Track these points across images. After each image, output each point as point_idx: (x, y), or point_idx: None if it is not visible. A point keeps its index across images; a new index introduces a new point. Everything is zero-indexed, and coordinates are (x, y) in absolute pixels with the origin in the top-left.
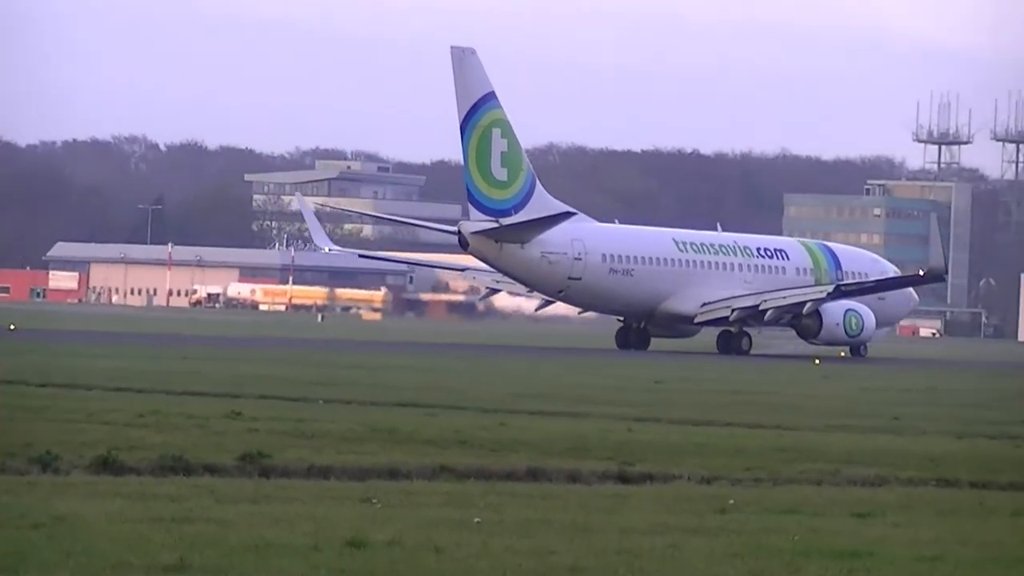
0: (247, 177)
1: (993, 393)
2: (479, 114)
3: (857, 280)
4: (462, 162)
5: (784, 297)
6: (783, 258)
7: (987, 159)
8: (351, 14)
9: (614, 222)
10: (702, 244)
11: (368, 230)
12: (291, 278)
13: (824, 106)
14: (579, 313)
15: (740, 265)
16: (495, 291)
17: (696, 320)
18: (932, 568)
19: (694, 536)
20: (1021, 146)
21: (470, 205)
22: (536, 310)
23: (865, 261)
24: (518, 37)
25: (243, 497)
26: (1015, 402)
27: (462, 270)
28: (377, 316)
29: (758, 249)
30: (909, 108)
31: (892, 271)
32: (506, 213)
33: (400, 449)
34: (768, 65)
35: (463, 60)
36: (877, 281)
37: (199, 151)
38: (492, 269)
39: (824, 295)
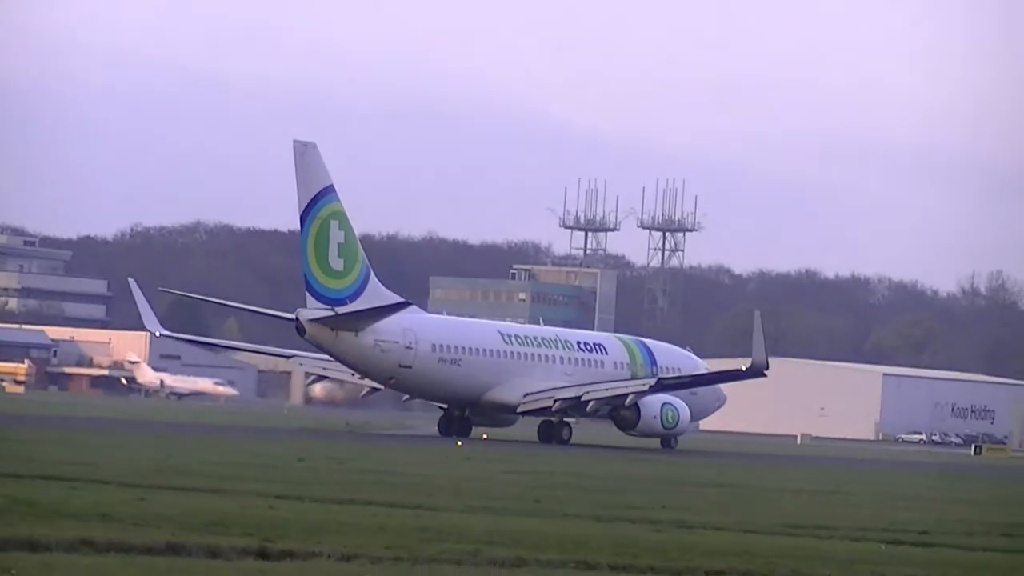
0: None
1: (636, 479)
2: (319, 206)
3: (672, 374)
4: (301, 252)
5: (607, 389)
6: (602, 352)
7: (633, 246)
8: None
9: (443, 313)
10: (526, 336)
11: (13, 303)
12: None
13: (472, 191)
14: (405, 400)
15: (561, 358)
16: (322, 378)
17: (519, 410)
18: None
19: None
20: (667, 234)
21: (307, 293)
22: (362, 396)
23: (677, 356)
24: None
25: None
26: (657, 487)
27: (288, 357)
28: (20, 388)
29: (578, 343)
30: (557, 194)
31: (703, 367)
32: (341, 302)
33: (41, 522)
34: (417, 148)
35: (305, 153)
36: (698, 376)
37: None
38: (320, 356)
39: (646, 388)
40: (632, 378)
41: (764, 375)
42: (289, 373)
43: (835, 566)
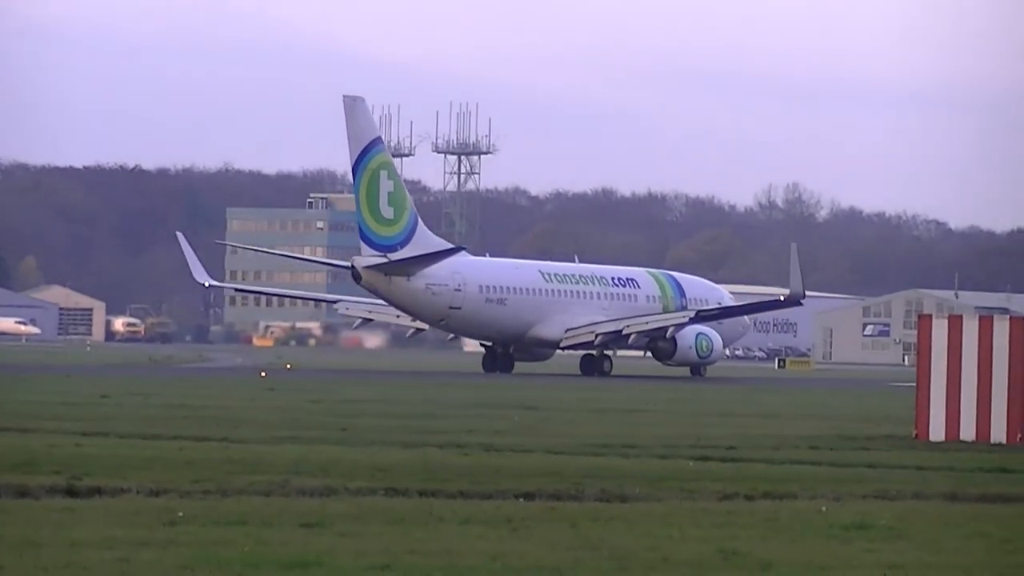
0: None
1: (440, 404)
2: (369, 157)
3: (700, 305)
4: (354, 201)
5: (647, 322)
6: (634, 286)
7: (429, 171)
8: None
9: (485, 255)
10: (564, 275)
11: None
12: None
13: (265, 120)
14: (450, 339)
15: (598, 294)
16: (368, 320)
17: (562, 344)
18: None
19: (144, 549)
20: (462, 157)
21: (361, 241)
22: (408, 336)
23: (704, 288)
24: None
25: None
26: (462, 412)
27: (334, 302)
28: None
29: (612, 278)
30: None
31: (727, 297)
32: (393, 248)
33: None
34: (207, 78)
35: (354, 108)
36: (734, 307)
37: None
38: (365, 299)
39: (686, 320)
40: (663, 310)
41: (801, 304)
42: (91, 310)
43: (644, 484)
